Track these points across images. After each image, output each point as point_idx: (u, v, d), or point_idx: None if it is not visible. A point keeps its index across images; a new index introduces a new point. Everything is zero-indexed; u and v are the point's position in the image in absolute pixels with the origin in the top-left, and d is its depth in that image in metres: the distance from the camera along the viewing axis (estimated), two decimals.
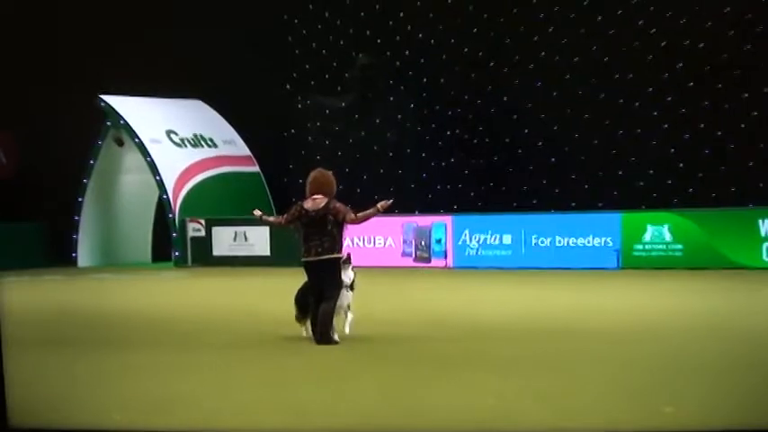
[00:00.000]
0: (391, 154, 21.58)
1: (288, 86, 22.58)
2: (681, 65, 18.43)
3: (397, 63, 21.57)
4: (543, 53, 19.78)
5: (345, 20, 21.93)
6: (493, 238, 18.28)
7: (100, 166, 21.64)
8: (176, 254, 21.04)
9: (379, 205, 8.31)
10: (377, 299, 11.46)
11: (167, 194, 20.92)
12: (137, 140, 21.10)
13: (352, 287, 8.58)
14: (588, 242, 17.49)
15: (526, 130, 20.05)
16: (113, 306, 12.74)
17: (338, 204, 8.41)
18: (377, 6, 21.48)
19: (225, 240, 20.75)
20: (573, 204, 18.88)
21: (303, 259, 8.48)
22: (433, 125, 21.16)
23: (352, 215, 8.35)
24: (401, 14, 21.37)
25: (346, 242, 9.41)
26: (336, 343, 8.27)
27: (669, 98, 18.60)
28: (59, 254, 21.36)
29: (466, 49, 20.61)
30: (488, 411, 5.68)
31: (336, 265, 8.39)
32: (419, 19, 21.06)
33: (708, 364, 7.19)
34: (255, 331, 9.50)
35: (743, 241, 16.35)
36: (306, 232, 8.49)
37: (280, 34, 22.31)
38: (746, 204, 16.97)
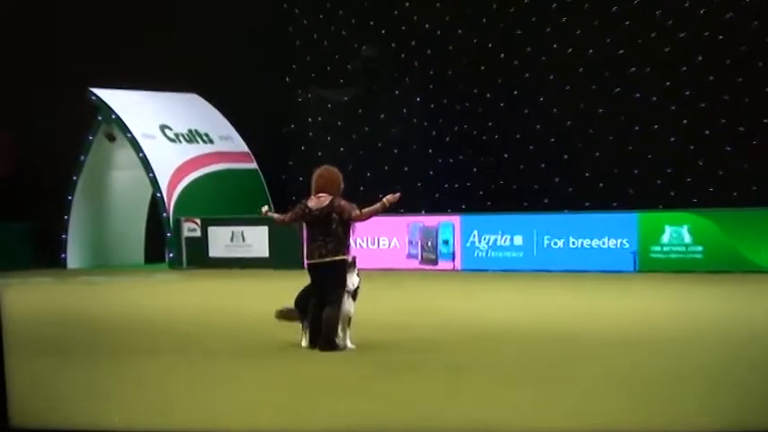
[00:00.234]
0: (396, 150, 21.60)
1: (288, 79, 22.61)
2: (700, 58, 18.43)
3: (403, 55, 21.58)
4: (555, 45, 19.79)
5: (348, 9, 21.96)
6: (503, 239, 18.29)
7: (90, 162, 21.68)
8: (170, 255, 21.08)
9: (385, 200, 8.27)
10: (381, 303, 11.48)
11: (161, 192, 20.96)
12: (129, 136, 21.14)
13: (354, 296, 8.38)
14: (603, 243, 17.50)
15: (538, 126, 20.05)
16: (106, 310, 12.78)
17: (343, 202, 8.38)
18: None
19: (221, 241, 20.78)
20: (587, 204, 18.88)
21: (307, 261, 8.49)
22: (440, 120, 21.18)
23: (358, 212, 8.32)
24: (407, 3, 21.39)
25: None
26: (342, 349, 8.28)
27: (688, 92, 18.60)
28: (47, 255, 21.40)
29: (475, 40, 20.62)
30: (504, 424, 5.70)
31: (342, 268, 8.36)
32: (425, 8, 21.08)
33: (730, 373, 7.21)
34: (255, 337, 9.53)
35: (767, 243, 16.33)
36: (310, 232, 8.52)
37: (279, 25, 22.35)
38: None
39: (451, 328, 10.13)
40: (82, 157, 21.64)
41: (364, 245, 18.93)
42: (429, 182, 21.16)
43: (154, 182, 21.00)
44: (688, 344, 8.84)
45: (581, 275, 16.75)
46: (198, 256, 20.76)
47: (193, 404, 6.21)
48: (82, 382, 7.08)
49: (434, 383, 7.02)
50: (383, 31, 21.78)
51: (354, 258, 8.55)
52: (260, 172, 22.78)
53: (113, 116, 21.27)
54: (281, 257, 19.90)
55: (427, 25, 21.21)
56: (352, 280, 8.40)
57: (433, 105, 21.32)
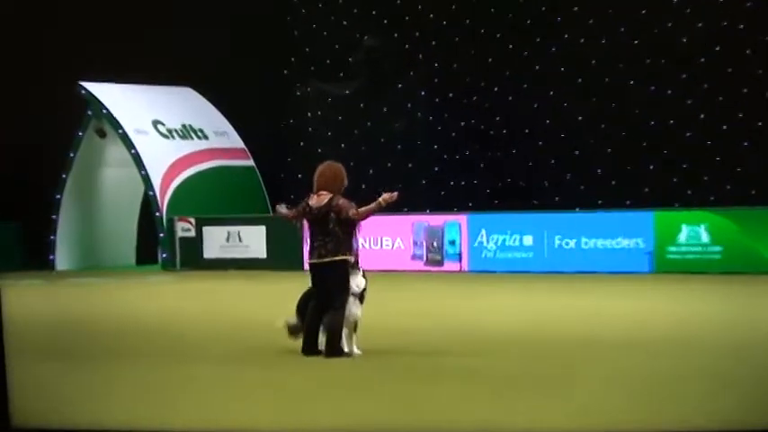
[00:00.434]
0: (400, 146, 21.58)
1: (286, 72, 22.60)
2: (718, 48, 18.40)
3: (407, 46, 21.57)
4: (567, 35, 19.77)
5: None
6: (512, 239, 18.28)
7: (80, 159, 21.67)
8: (163, 256, 21.09)
9: (381, 199, 8.28)
10: (385, 306, 11.47)
11: (154, 191, 20.97)
12: (120, 131, 21.15)
13: (361, 299, 8.37)
14: (617, 244, 17.48)
15: (548, 121, 20.04)
16: (98, 313, 12.80)
17: (341, 201, 8.39)
18: None
19: (217, 241, 20.78)
20: (600, 202, 18.85)
21: (308, 261, 8.56)
22: (446, 114, 21.16)
23: (354, 211, 8.32)
24: None
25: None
26: (348, 355, 8.29)
27: (705, 85, 18.57)
28: (35, 256, 21.41)
29: (482, 31, 20.60)
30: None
31: (342, 269, 8.36)
32: None
33: (749, 379, 7.20)
34: (255, 342, 9.53)
35: None
36: (310, 231, 8.58)
37: (277, 14, 22.33)
38: None
39: (459, 331, 10.12)
40: (71, 154, 21.62)
41: (367, 245, 18.92)
42: (434, 179, 21.15)
43: (146, 179, 21.00)
44: (706, 348, 8.83)
45: (594, 277, 16.74)
46: (192, 257, 20.76)
47: (192, 410, 6.24)
48: (76, 388, 7.11)
49: (444, 389, 7.02)
50: (386, 21, 21.77)
51: (357, 259, 8.53)
52: (257, 169, 22.77)
53: (104, 111, 21.27)
54: (279, 258, 19.91)
55: (432, 15, 21.19)
56: (357, 282, 8.38)
57: (438, 99, 21.31)
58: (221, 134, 22.81)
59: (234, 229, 20.69)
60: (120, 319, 12.05)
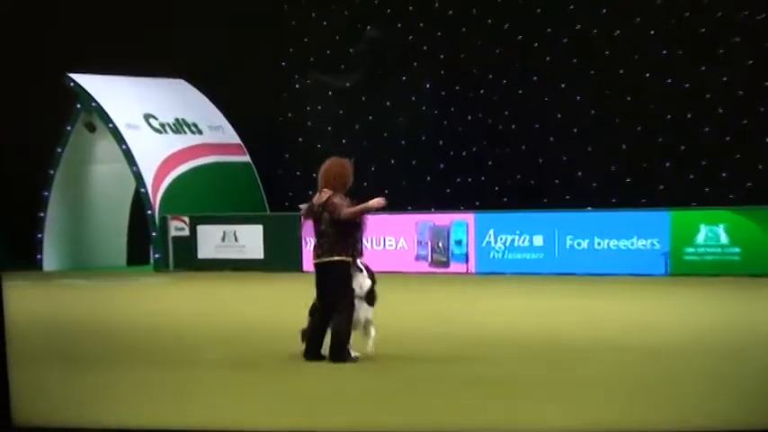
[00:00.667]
0: (403, 142, 21.59)
1: (284, 64, 22.61)
2: (737, 39, 18.39)
3: (410, 36, 21.57)
4: (579, 26, 19.77)
5: None
6: (521, 240, 18.28)
7: (68, 155, 21.69)
8: (156, 256, 21.10)
9: (369, 203, 8.36)
10: (388, 309, 11.46)
11: (145, 188, 20.98)
12: (110, 126, 21.15)
13: (370, 300, 8.47)
14: (632, 244, 17.47)
15: (559, 115, 20.04)
16: (89, 317, 12.81)
17: (336, 200, 8.46)
18: None
19: (212, 241, 20.80)
20: (614, 200, 18.87)
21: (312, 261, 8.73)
22: (452, 108, 21.16)
23: (344, 210, 8.39)
24: None
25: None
26: (354, 361, 8.35)
27: (725, 78, 18.56)
28: (21, 256, 21.42)
29: (490, 21, 20.61)
30: None
31: (339, 270, 8.43)
32: None
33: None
34: (254, 347, 9.58)
35: None
36: (314, 231, 8.69)
37: (275, 3, 22.33)
38: None
39: (465, 336, 10.15)
40: (59, 150, 21.65)
41: (369, 245, 18.93)
42: (440, 176, 21.16)
43: (138, 176, 21.02)
44: (725, 355, 8.84)
45: (607, 279, 16.73)
46: (186, 258, 20.77)
47: (192, 412, 6.31)
48: (71, 396, 7.16)
49: (450, 398, 7.04)
50: (389, 11, 21.76)
51: (355, 259, 8.55)
52: (253, 165, 22.78)
53: (93, 104, 21.27)
54: (276, 259, 19.93)
55: (437, 4, 21.20)
56: (360, 283, 8.44)
57: (443, 92, 21.30)
58: (216, 129, 22.81)
59: (230, 228, 20.70)
60: (112, 322, 12.07)
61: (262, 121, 22.60)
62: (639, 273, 17.06)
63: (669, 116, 19.08)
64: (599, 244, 17.73)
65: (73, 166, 21.86)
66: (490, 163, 20.74)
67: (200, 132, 22.56)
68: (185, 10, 21.31)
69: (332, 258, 8.41)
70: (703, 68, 18.73)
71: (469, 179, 20.84)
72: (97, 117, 21.44)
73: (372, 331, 8.60)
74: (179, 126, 22.35)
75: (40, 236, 21.65)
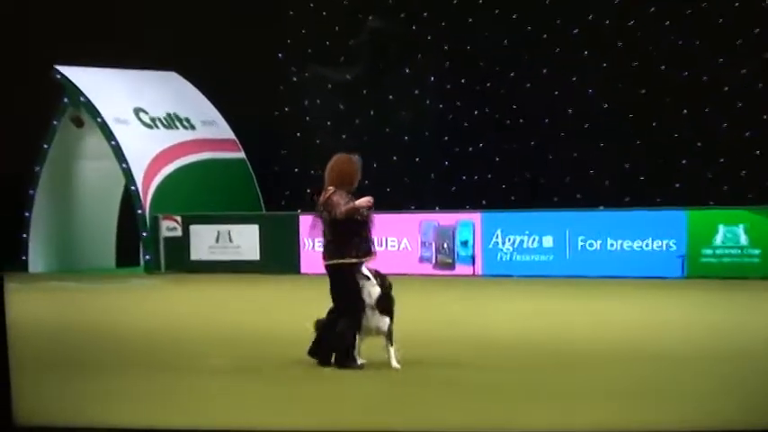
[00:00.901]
0: (406, 138, 21.59)
1: (280, 55, 22.60)
2: (757, 30, 18.37)
3: (414, 26, 21.55)
4: (591, 16, 19.75)
5: None
6: (531, 240, 18.27)
7: (55, 151, 21.68)
8: (147, 258, 21.11)
9: (357, 202, 8.38)
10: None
11: (136, 186, 20.98)
12: (99, 120, 21.15)
13: (382, 309, 8.35)
14: (646, 245, 17.46)
15: (570, 110, 20.02)
16: (78, 321, 12.81)
17: (335, 198, 8.47)
18: None
19: (205, 241, 20.80)
20: (627, 199, 18.86)
21: None
22: (458, 102, 21.16)
23: (339, 209, 8.40)
24: None
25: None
26: (359, 368, 8.37)
27: (744, 71, 18.55)
28: (6, 257, 21.40)
29: (497, 11, 20.58)
30: None
31: (342, 273, 8.45)
32: None
33: None
34: (251, 353, 9.59)
35: None
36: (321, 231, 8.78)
37: None
38: None
39: (471, 342, 10.14)
40: (45, 146, 21.64)
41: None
42: (444, 174, 21.14)
43: (127, 173, 21.01)
44: (745, 362, 8.82)
45: (620, 282, 16.71)
46: (178, 259, 20.77)
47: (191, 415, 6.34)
48: (60, 399, 7.20)
49: (456, 405, 7.04)
50: (391, 0, 21.74)
51: (362, 261, 8.50)
52: (248, 162, 22.78)
53: (81, 98, 21.26)
54: (273, 261, 19.93)
55: None
56: (368, 290, 8.40)
57: (448, 85, 21.29)
58: (209, 123, 22.80)
59: (224, 228, 20.70)
60: (102, 326, 12.08)
61: (257, 115, 22.58)
62: (654, 275, 17.05)
63: (685, 111, 19.07)
64: (612, 245, 17.71)
65: (60, 163, 21.85)
66: (497, 160, 20.72)
67: (192, 127, 22.56)
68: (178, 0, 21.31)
69: (333, 261, 8.46)
70: (721, 60, 18.70)
71: (476, 177, 20.82)
72: (85, 111, 21.42)
73: (390, 348, 8.46)
74: (171, 121, 22.34)
75: (25, 236, 21.64)
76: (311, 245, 19.54)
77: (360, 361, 8.39)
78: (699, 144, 18.89)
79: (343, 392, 7.69)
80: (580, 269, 17.68)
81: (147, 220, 20.93)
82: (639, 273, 17.19)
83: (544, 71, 20.21)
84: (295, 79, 22.59)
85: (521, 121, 20.56)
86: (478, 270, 18.62)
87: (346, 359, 8.36)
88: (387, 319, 8.42)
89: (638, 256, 17.48)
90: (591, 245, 17.86)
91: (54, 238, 21.88)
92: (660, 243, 17.39)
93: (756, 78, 18.42)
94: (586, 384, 7.83)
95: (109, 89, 21.70)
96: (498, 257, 18.53)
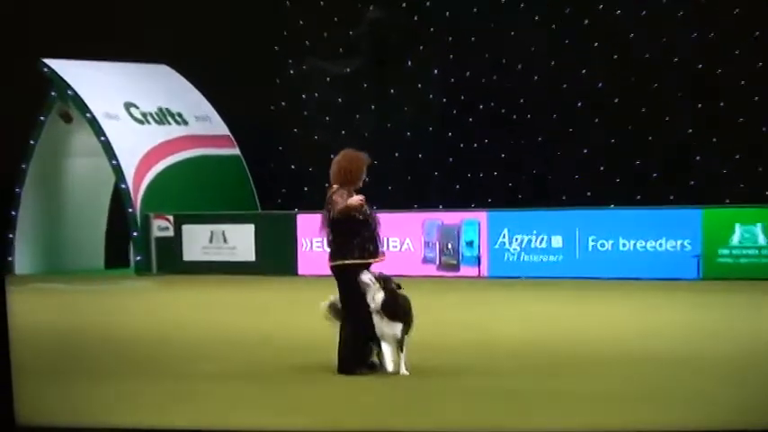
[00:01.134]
0: (409, 133, 21.58)
1: (277, 48, 22.58)
2: None
3: (416, 17, 21.54)
4: (601, 5, 19.74)
5: None
6: (539, 240, 18.26)
7: (42, 147, 21.72)
8: (137, 258, 21.14)
9: (348, 201, 8.35)
10: None
11: (126, 183, 21.00)
12: (88, 115, 21.18)
13: (391, 314, 8.30)
14: (660, 246, 17.44)
15: (579, 104, 20.02)
16: (68, 324, 12.80)
17: (335, 197, 8.49)
18: None
19: (198, 242, 20.83)
20: (639, 197, 18.84)
21: None
22: (462, 97, 21.15)
23: (336, 208, 8.40)
24: None
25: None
26: (364, 374, 8.39)
27: (760, 63, 18.53)
28: None
29: (503, 1, 20.56)
30: None
31: (344, 275, 8.45)
32: None
33: None
34: (247, 358, 9.60)
35: None
36: None
37: None
38: None
39: (476, 346, 10.13)
40: (32, 142, 21.67)
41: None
42: (448, 171, 21.15)
43: (117, 171, 21.03)
44: (764, 367, 8.79)
45: (633, 284, 16.69)
46: (170, 260, 20.79)
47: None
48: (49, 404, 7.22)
49: (467, 411, 7.05)
50: None
51: (361, 264, 8.47)
52: (243, 159, 22.78)
53: (69, 92, 21.30)
54: (269, 262, 19.93)
55: None
56: (371, 295, 8.35)
57: (453, 79, 21.29)
58: (203, 119, 22.83)
59: (218, 228, 20.71)
60: (92, 331, 12.07)
61: (253, 110, 22.60)
62: (668, 277, 17.04)
63: (700, 105, 19.05)
64: (624, 245, 17.70)
65: (47, 160, 21.89)
66: (504, 156, 20.72)
67: (185, 123, 22.58)
68: None
69: (338, 262, 8.47)
70: (737, 53, 18.68)
71: (481, 174, 20.82)
72: (73, 106, 21.45)
73: (400, 354, 8.40)
74: (162, 116, 22.36)
75: (11, 236, 21.64)
76: (309, 245, 19.55)
77: (390, 367, 8.29)
78: (714, 139, 18.88)
79: (344, 398, 7.69)
80: (591, 270, 17.67)
81: (138, 220, 20.96)
82: (653, 274, 17.18)
83: (552, 63, 20.21)
84: (292, 72, 22.61)
85: (528, 115, 20.56)
86: (484, 271, 18.61)
87: (344, 366, 8.36)
88: (398, 325, 8.35)
89: (651, 257, 17.47)
90: (602, 245, 17.85)
91: (41, 239, 21.92)
92: (674, 243, 17.37)
93: None
94: (597, 390, 7.80)
95: (98, 83, 21.74)
96: (505, 258, 18.52)
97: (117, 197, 21.86)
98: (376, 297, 8.34)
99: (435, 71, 21.56)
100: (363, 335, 8.40)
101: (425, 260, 19.06)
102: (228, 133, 22.91)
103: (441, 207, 19.87)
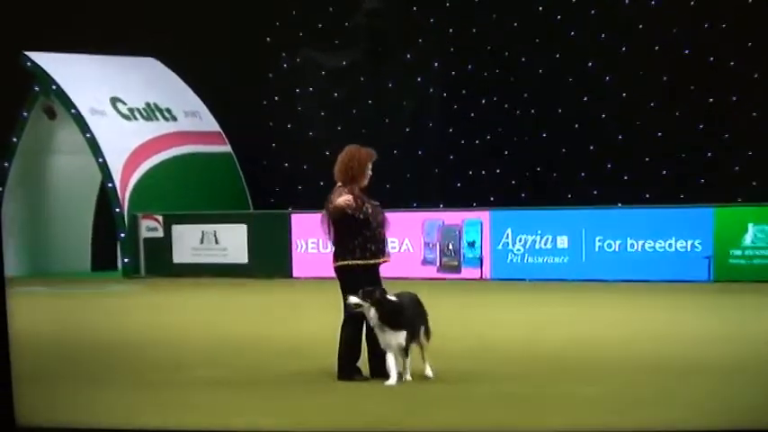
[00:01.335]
0: (408, 129, 21.59)
1: (269, 39, 22.58)
2: None
3: (415, 7, 21.55)
4: None
5: None
6: (543, 241, 18.28)
7: (25, 145, 21.72)
8: (125, 260, 21.14)
9: (338, 200, 8.39)
10: None
11: (113, 182, 21.00)
12: (73, 111, 21.18)
13: (392, 323, 8.29)
14: (669, 246, 17.47)
15: (585, 98, 20.03)
16: (51, 330, 12.80)
17: (333, 196, 8.54)
18: None
19: (188, 243, 20.84)
20: (647, 196, 18.86)
21: None
22: (463, 91, 21.16)
23: (330, 207, 8.48)
24: None
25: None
26: (363, 379, 8.45)
27: None
28: None
29: None
30: None
31: (344, 277, 8.51)
32: None
33: None
34: (241, 363, 9.64)
35: None
36: None
37: None
38: None
39: (479, 350, 10.16)
40: (14, 139, 21.66)
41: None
42: (449, 169, 21.16)
43: (104, 169, 21.03)
44: None
45: (641, 287, 16.71)
46: (159, 262, 20.80)
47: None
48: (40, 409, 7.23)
49: (473, 418, 7.08)
50: None
51: (364, 265, 8.49)
52: (234, 156, 22.78)
53: (53, 87, 21.29)
54: (262, 263, 19.94)
55: None
56: (365, 312, 8.36)
57: (453, 72, 21.30)
58: (192, 114, 22.84)
59: (209, 228, 20.72)
60: (76, 336, 12.07)
61: (244, 105, 22.61)
62: (679, 279, 17.08)
63: (711, 99, 19.06)
64: (632, 246, 17.73)
65: (30, 157, 21.92)
66: (507, 153, 20.74)
67: (174, 119, 22.59)
68: None
69: (339, 263, 8.53)
70: (750, 45, 18.69)
71: (483, 172, 20.83)
72: (57, 101, 21.44)
73: (405, 360, 8.46)
74: (150, 112, 22.37)
75: None
76: (303, 246, 19.56)
77: (393, 380, 8.28)
78: (726, 136, 18.90)
79: (344, 404, 7.73)
80: (597, 272, 17.71)
81: (126, 220, 20.97)
82: (662, 276, 17.21)
83: (557, 56, 20.22)
84: (285, 66, 22.60)
85: (532, 111, 20.57)
86: (487, 273, 18.63)
87: (341, 372, 8.43)
88: (401, 333, 8.35)
89: (660, 258, 17.49)
90: (609, 246, 17.87)
91: (24, 240, 21.87)
92: (685, 243, 17.40)
93: None
94: (606, 395, 7.83)
95: (83, 77, 21.74)
96: (508, 259, 18.54)
97: (103, 196, 21.87)
98: (370, 314, 8.34)
99: (435, 64, 21.56)
100: (357, 341, 8.48)
101: (425, 261, 19.08)
102: (219, 129, 22.91)
103: (441, 206, 19.88)
